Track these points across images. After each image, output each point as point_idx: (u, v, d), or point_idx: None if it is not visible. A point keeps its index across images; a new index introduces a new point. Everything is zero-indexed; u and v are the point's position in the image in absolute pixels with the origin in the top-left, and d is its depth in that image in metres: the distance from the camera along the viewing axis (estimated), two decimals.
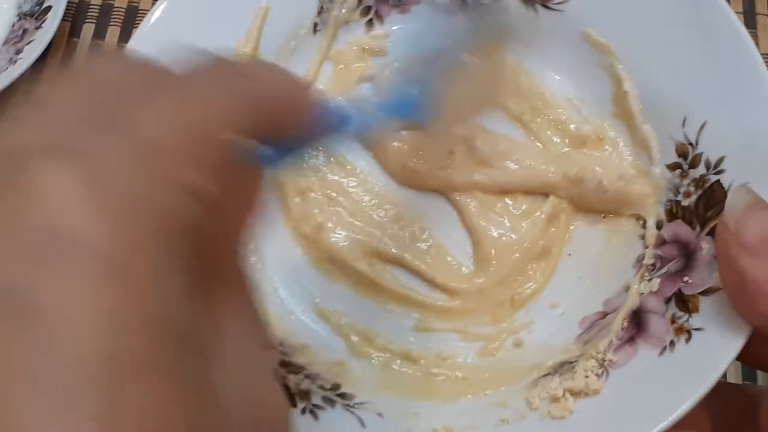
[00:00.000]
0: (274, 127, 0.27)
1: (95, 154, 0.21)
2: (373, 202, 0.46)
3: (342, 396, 0.39)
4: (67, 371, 0.18)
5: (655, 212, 0.42)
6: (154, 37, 0.43)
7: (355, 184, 0.46)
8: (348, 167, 0.47)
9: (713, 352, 0.35)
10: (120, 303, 0.19)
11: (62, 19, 0.62)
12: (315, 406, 0.38)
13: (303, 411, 0.38)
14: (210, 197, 0.22)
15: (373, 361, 0.42)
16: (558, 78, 0.47)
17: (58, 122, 0.22)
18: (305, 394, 0.38)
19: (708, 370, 0.35)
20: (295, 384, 0.39)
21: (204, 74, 0.25)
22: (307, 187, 0.45)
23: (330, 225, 0.45)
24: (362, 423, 0.38)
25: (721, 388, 0.35)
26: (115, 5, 0.67)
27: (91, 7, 0.67)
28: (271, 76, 0.27)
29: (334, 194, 0.46)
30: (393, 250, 0.44)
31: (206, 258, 0.23)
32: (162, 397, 0.19)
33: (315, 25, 0.48)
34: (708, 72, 0.41)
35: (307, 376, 0.39)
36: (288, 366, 0.39)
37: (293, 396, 0.38)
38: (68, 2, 0.63)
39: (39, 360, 0.18)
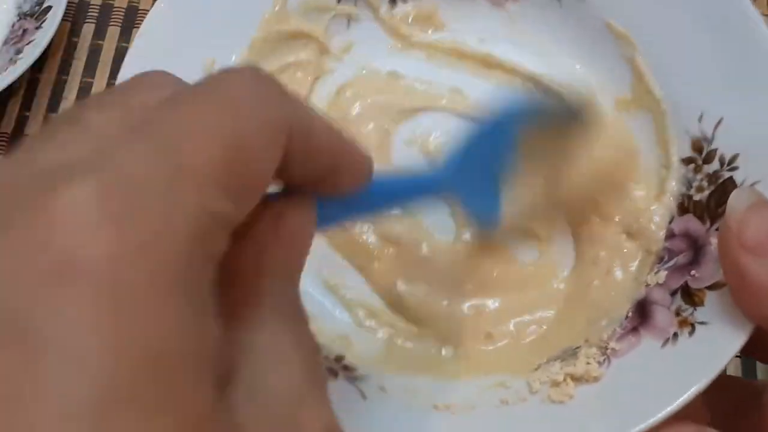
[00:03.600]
0: (325, 182, 0.26)
1: (122, 168, 0.20)
2: None
3: (345, 368, 0.39)
4: (63, 409, 0.18)
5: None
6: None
7: None
8: None
9: (715, 347, 0.36)
10: (119, 338, 0.18)
11: (62, 19, 0.62)
12: None
13: None
14: (236, 221, 0.22)
15: (378, 335, 0.42)
16: (579, 67, 0.47)
17: (91, 138, 0.21)
18: None
19: (709, 365, 0.35)
20: None
21: (252, 86, 0.23)
22: None
23: None
24: (363, 395, 0.38)
25: (723, 381, 0.35)
26: (115, 5, 0.67)
27: (91, 7, 0.67)
28: (321, 119, 0.26)
29: None
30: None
31: (230, 282, 0.22)
32: None
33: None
34: (727, 68, 0.41)
35: None
36: None
37: None
38: (68, 2, 0.63)
39: (35, 394, 0.18)
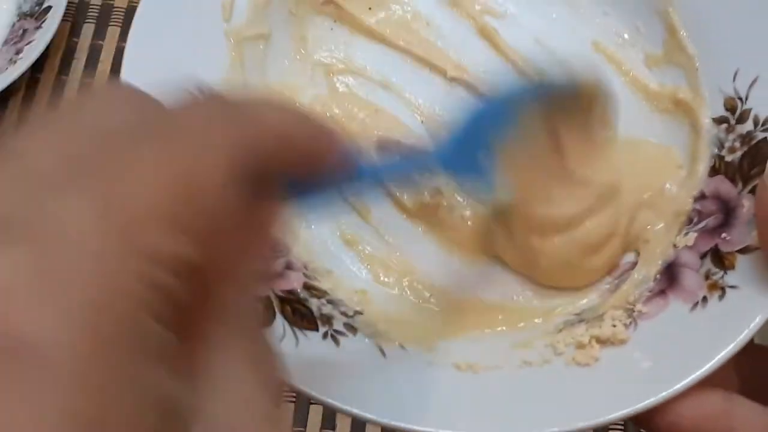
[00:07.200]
0: (290, 172, 0.25)
1: (51, 226, 0.19)
2: None
3: (364, 324, 0.38)
4: None
5: None
6: None
7: None
8: None
9: (746, 311, 0.35)
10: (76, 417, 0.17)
11: (62, 19, 0.63)
12: (336, 332, 0.37)
13: (324, 336, 0.37)
14: (190, 263, 0.20)
15: (395, 292, 0.41)
16: (609, 19, 0.45)
17: (22, 183, 0.20)
18: (327, 319, 0.38)
19: (739, 330, 0.34)
20: (318, 308, 0.38)
21: (203, 115, 0.23)
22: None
23: None
24: (383, 353, 0.37)
25: (753, 349, 0.34)
26: (115, 5, 0.68)
27: (91, 7, 0.68)
28: (283, 117, 0.25)
29: None
30: None
31: (184, 323, 0.21)
32: None
33: None
34: (766, 24, 0.39)
35: (330, 302, 0.39)
36: (311, 289, 0.39)
37: (315, 319, 0.37)
38: (68, 2, 0.63)
39: None
